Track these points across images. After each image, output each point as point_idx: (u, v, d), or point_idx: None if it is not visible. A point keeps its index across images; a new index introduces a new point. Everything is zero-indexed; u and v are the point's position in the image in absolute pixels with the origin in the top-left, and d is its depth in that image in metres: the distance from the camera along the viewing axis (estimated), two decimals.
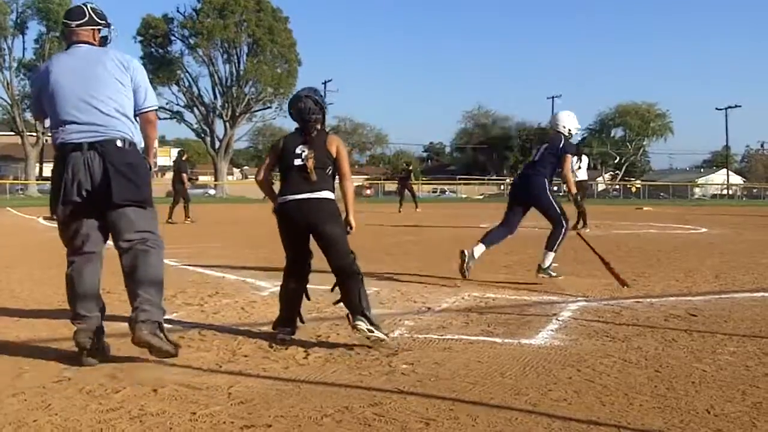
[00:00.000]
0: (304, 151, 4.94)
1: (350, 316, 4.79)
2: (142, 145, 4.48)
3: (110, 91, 4.25)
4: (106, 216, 4.23)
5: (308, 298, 5.16)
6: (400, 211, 26.89)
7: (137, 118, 4.41)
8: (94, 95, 4.21)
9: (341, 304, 4.88)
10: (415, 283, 7.43)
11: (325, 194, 4.94)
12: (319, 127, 5.10)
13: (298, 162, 4.93)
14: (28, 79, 60.22)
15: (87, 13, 4.43)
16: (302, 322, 5.13)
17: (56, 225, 4.43)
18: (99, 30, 4.48)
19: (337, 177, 5.10)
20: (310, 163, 4.88)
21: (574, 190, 8.72)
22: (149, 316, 4.14)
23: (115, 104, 4.25)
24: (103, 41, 4.53)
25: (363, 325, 4.68)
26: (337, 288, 4.89)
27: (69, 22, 4.43)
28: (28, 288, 7.20)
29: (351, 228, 5.00)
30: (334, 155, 5.03)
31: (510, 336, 5.02)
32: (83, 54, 4.34)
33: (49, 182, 4.36)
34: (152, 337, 4.09)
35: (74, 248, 4.32)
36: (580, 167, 16.45)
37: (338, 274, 4.90)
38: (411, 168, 31.90)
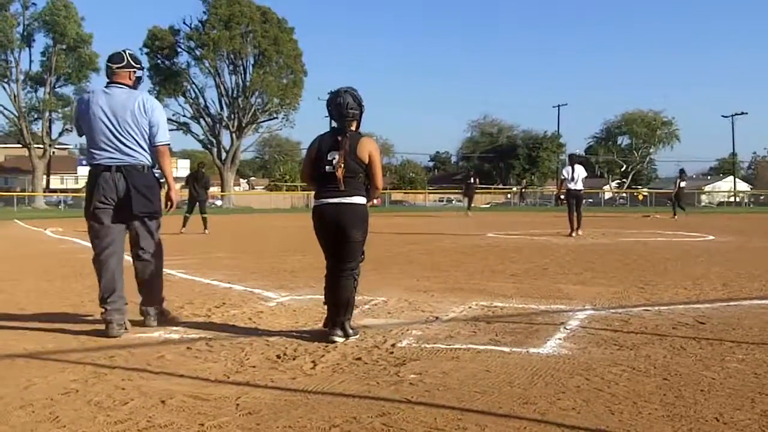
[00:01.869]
0: (334, 158, 5.13)
1: (330, 324, 5.26)
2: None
3: (133, 129, 5.51)
4: (127, 224, 5.56)
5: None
6: (464, 213, 32.55)
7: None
8: (121, 132, 5.48)
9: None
10: (423, 293, 7.42)
11: (356, 199, 5.20)
12: (354, 127, 5.32)
13: (329, 169, 5.15)
14: (35, 91, 60.59)
15: (126, 58, 5.66)
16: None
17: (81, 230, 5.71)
18: (134, 71, 5.71)
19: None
20: (340, 173, 5.10)
21: None
22: (154, 308, 5.76)
23: (135, 139, 5.52)
24: (137, 81, 5.77)
25: (339, 339, 5.16)
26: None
27: (111, 64, 5.64)
28: (34, 300, 7.21)
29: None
30: (367, 162, 5.22)
31: (518, 345, 5.01)
32: (118, 96, 5.54)
33: (79, 194, 6.01)
34: (153, 321, 5.71)
35: (101, 244, 5.53)
36: (574, 177, 17.04)
37: (335, 275, 5.25)
38: (473, 175, 36.86)
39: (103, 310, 5.42)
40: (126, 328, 5.45)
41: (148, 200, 5.54)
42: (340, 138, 5.19)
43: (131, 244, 5.65)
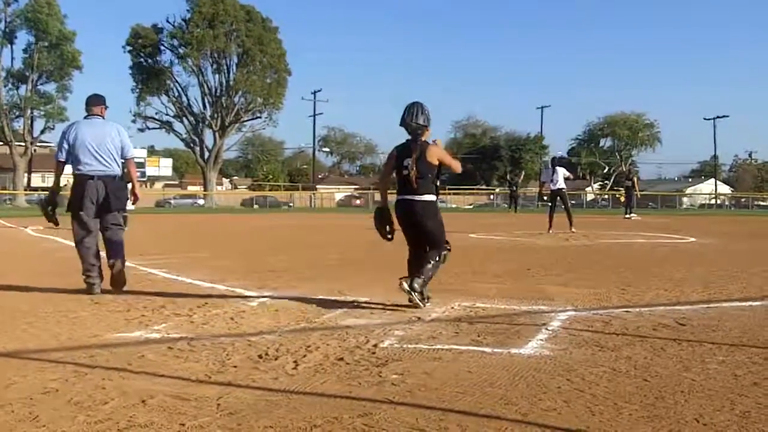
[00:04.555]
0: (408, 164, 6.44)
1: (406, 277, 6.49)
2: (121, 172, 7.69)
3: (109, 148, 7.49)
4: (101, 214, 7.43)
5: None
6: (511, 211, 40.65)
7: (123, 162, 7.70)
8: (100, 150, 7.44)
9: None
10: (406, 293, 7.40)
11: (427, 197, 6.50)
12: (424, 137, 6.57)
13: (405, 173, 6.48)
14: (16, 89, 60.21)
15: (102, 98, 7.83)
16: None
17: (50, 225, 8.30)
18: (106, 108, 7.83)
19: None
20: (413, 175, 6.40)
21: None
22: (120, 263, 7.49)
23: (111, 155, 7.49)
24: (105, 110, 7.85)
25: (405, 285, 6.40)
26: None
27: (92, 103, 7.70)
28: (14, 298, 7.15)
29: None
30: (436, 164, 6.52)
31: (500, 346, 5.02)
32: (97, 125, 7.61)
33: (51, 193, 7.95)
34: (121, 273, 7.50)
35: (84, 229, 7.42)
36: (554, 179, 18.42)
37: (429, 251, 6.53)
38: (517, 180, 47.59)
39: (86, 277, 7.33)
40: (101, 290, 7.35)
41: (119, 200, 7.57)
42: (412, 147, 6.48)
43: (101, 225, 7.49)
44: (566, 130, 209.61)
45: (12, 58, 60.99)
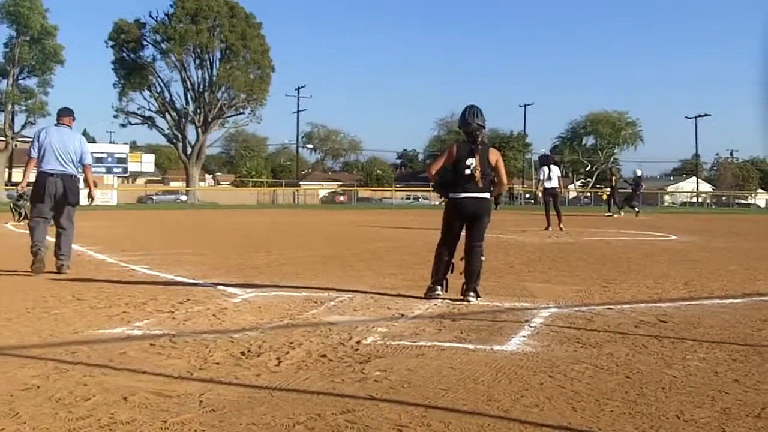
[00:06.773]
0: (472, 164, 6.77)
1: (464, 287, 6.82)
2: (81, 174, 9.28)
3: (71, 154, 8.94)
4: (57, 207, 8.92)
5: (452, 271, 6.93)
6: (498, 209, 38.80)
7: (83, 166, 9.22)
8: (63, 154, 8.87)
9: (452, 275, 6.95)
10: (389, 290, 7.43)
11: (486, 195, 6.92)
12: (480, 137, 6.92)
13: (467, 171, 6.77)
14: None
15: (71, 111, 9.34)
16: (446, 290, 6.92)
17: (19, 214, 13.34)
18: (74, 119, 9.33)
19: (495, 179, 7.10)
20: (478, 174, 6.77)
21: None
22: (66, 260, 8.88)
23: (71, 159, 8.93)
24: (73, 121, 9.38)
25: (473, 299, 6.72)
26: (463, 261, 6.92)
27: (62, 113, 9.25)
28: None
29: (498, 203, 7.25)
30: (494, 165, 6.93)
31: (482, 342, 5.03)
32: (64, 133, 9.06)
33: (24, 187, 10.68)
34: (66, 269, 8.76)
35: (40, 216, 8.91)
36: (550, 177, 18.61)
37: (469, 250, 6.93)
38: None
39: (35, 256, 8.63)
40: (45, 269, 8.65)
41: (74, 195, 9.00)
42: (473, 147, 6.83)
43: (56, 219, 8.97)
44: (549, 128, 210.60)
45: None
